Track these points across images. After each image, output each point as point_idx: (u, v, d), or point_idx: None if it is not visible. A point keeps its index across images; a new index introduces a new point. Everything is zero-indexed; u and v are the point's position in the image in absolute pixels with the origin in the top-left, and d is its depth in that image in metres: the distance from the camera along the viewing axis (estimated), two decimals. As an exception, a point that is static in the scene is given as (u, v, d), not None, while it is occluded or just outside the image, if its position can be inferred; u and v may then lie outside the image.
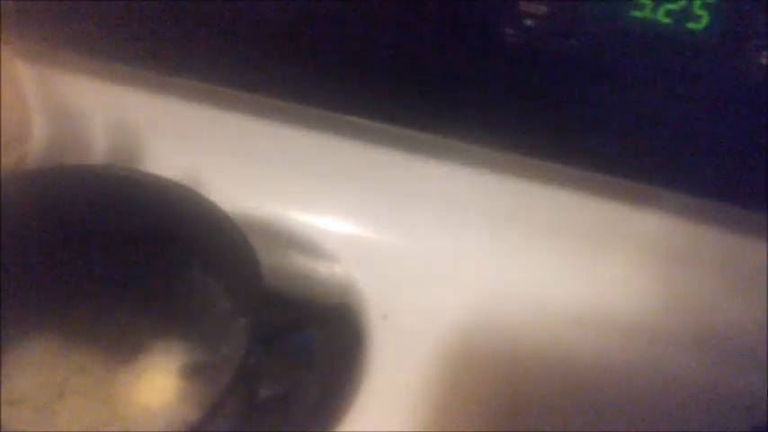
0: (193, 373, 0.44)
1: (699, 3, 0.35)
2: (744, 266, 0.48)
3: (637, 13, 0.36)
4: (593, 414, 0.47)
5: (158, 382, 0.43)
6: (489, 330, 0.51)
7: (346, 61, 0.42)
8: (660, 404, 0.48)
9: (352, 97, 0.44)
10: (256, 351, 0.39)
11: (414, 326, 0.51)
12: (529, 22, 0.37)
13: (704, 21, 0.35)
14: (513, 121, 0.41)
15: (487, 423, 0.46)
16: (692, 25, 0.36)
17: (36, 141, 0.56)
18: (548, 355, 0.50)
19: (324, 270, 0.53)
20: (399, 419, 0.46)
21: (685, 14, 0.35)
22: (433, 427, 0.46)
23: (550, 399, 0.48)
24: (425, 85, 0.42)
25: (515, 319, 0.51)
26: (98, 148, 0.56)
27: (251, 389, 0.42)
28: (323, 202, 0.55)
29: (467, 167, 0.50)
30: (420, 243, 0.54)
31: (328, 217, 0.55)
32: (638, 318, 0.50)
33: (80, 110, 0.56)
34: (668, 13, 0.36)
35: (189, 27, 0.44)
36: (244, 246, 0.42)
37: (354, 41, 0.41)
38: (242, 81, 0.47)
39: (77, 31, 0.47)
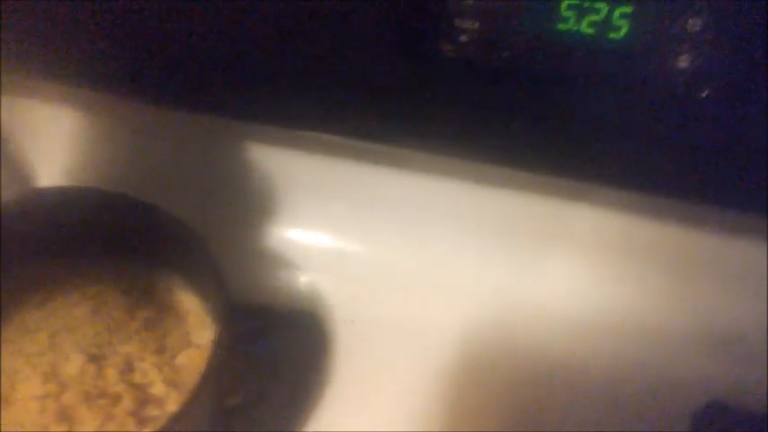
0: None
1: (618, 13, 0.38)
2: (693, 257, 0.52)
3: (562, 26, 0.39)
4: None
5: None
6: (451, 332, 0.53)
7: (297, 78, 0.44)
8: (630, 396, 0.50)
9: (306, 113, 0.46)
10: (222, 356, 0.41)
11: (378, 330, 0.53)
12: (464, 38, 0.40)
13: (624, 30, 0.38)
14: (457, 129, 0.44)
15: (450, 424, 0.49)
16: (613, 35, 0.39)
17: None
18: (506, 353, 0.52)
19: (289, 279, 0.55)
20: (364, 421, 0.48)
21: (606, 25, 0.38)
22: (396, 426, 0.48)
23: (508, 396, 0.50)
24: (374, 99, 0.44)
25: (478, 320, 0.53)
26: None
27: (218, 394, 0.44)
28: (287, 213, 0.57)
29: (423, 175, 0.53)
30: (382, 250, 0.56)
31: (293, 227, 0.57)
32: (583, 312, 0.53)
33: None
34: (591, 24, 0.39)
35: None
36: (209, 257, 0.44)
37: (302, 59, 0.43)
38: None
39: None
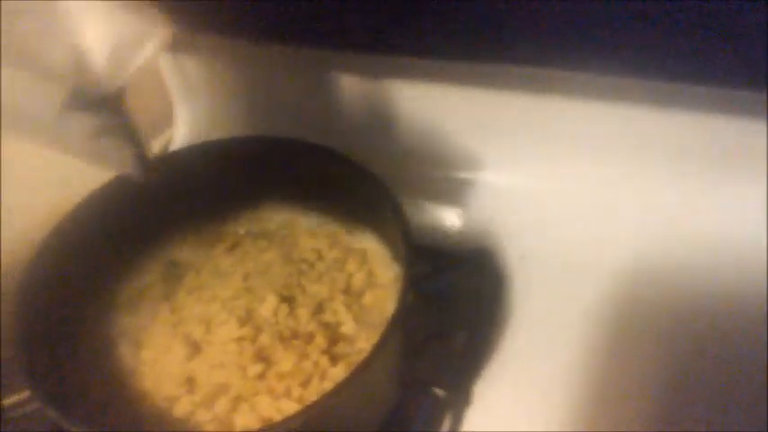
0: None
1: None
2: None
3: None
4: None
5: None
6: (629, 266, 0.51)
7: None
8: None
9: (483, 42, 0.45)
10: (410, 295, 0.42)
11: (551, 264, 0.52)
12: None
13: None
14: (653, 42, 0.41)
15: (629, 356, 0.47)
16: None
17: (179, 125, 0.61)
18: (691, 282, 0.49)
19: (459, 218, 0.55)
20: (545, 351, 0.47)
21: None
22: (579, 359, 0.47)
23: (685, 329, 0.48)
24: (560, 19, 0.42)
25: (653, 250, 0.51)
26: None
27: (405, 331, 0.44)
28: (454, 151, 0.56)
29: (594, 103, 0.50)
30: (548, 183, 0.55)
31: (459, 166, 0.57)
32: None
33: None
34: None
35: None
36: (392, 200, 0.45)
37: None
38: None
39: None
